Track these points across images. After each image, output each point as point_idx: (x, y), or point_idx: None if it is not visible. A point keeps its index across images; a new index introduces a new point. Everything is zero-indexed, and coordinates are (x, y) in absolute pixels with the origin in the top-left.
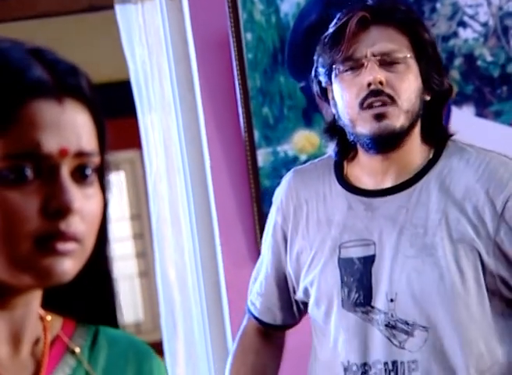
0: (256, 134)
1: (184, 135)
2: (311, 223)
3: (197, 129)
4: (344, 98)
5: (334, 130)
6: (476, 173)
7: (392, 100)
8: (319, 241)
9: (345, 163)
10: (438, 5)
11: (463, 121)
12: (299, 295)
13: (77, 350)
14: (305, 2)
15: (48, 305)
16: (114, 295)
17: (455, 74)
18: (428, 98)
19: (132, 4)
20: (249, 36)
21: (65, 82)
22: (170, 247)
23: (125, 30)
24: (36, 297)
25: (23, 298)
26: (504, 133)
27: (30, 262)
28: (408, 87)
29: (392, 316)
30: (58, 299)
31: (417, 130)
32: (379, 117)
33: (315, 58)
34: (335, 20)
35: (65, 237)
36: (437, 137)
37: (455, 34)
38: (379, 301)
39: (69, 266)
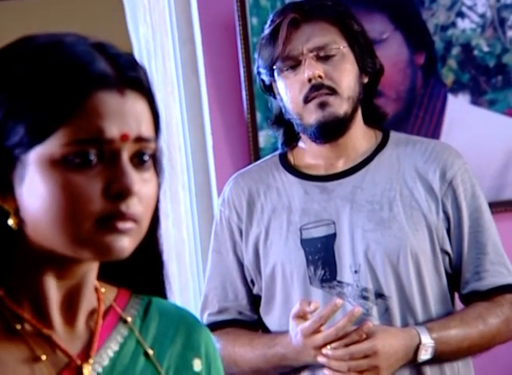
0: (258, 116)
1: (187, 115)
2: (266, 212)
3: (199, 109)
4: (288, 94)
5: (280, 121)
6: (423, 155)
7: (334, 91)
8: (277, 227)
9: (290, 156)
10: None
11: (458, 108)
12: (256, 288)
13: (129, 319)
14: None
15: (104, 276)
16: (164, 269)
17: (452, 63)
18: (366, 80)
19: None
20: (254, 20)
21: (126, 74)
22: (169, 223)
23: (130, 9)
24: (92, 269)
25: (80, 270)
26: (497, 121)
27: (91, 239)
28: (347, 75)
29: (357, 286)
30: (114, 272)
31: (359, 113)
32: (323, 105)
33: (256, 57)
34: (269, 22)
35: (124, 217)
36: (377, 118)
37: (453, 24)
38: (345, 274)
39: (127, 243)
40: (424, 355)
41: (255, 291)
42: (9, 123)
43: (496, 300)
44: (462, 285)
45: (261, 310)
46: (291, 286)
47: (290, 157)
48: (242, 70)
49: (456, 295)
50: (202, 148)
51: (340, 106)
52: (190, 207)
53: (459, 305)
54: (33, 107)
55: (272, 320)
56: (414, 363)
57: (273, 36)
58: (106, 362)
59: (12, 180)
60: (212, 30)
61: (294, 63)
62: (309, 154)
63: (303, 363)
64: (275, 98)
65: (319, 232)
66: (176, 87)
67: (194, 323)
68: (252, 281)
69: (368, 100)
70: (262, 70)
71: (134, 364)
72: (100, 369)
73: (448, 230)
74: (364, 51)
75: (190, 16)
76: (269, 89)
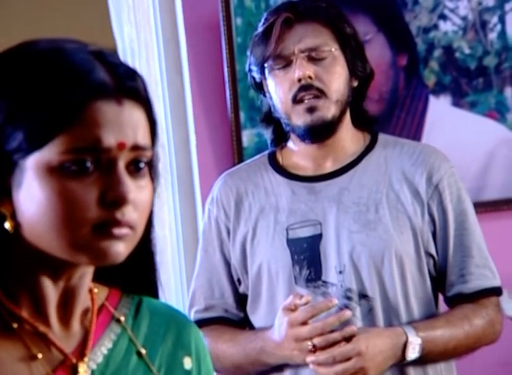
0: (242, 116)
1: (170, 114)
2: (254, 211)
3: (183, 108)
4: (277, 93)
5: (270, 119)
6: (410, 158)
7: (322, 93)
8: (264, 226)
9: (279, 155)
10: None
11: (440, 110)
12: (243, 287)
13: (122, 318)
14: None
15: (96, 276)
16: (156, 270)
17: (434, 65)
18: (355, 84)
19: None
20: (239, 21)
21: (125, 84)
22: None
23: (114, 8)
24: (89, 272)
25: (76, 272)
26: (478, 122)
27: (88, 244)
28: (336, 78)
29: (341, 286)
30: (106, 272)
31: (347, 116)
32: (311, 110)
33: (248, 54)
34: (262, 20)
35: (120, 224)
36: (366, 121)
37: (435, 27)
38: (330, 275)
39: (122, 248)
40: (413, 353)
41: (242, 289)
42: (9, 128)
43: (480, 302)
44: (447, 288)
45: (248, 309)
46: (276, 285)
47: (279, 157)
48: (226, 70)
49: (441, 298)
50: (186, 147)
51: (328, 109)
52: (173, 205)
53: (443, 308)
54: (32, 113)
55: (257, 319)
56: (402, 363)
57: (266, 34)
58: (100, 360)
59: (9, 184)
60: (197, 29)
61: (285, 62)
62: (297, 154)
63: (278, 359)
64: (264, 96)
65: (305, 232)
66: (159, 87)
67: (184, 321)
68: (239, 280)
69: (356, 103)
70: (253, 68)
71: (127, 362)
72: (94, 367)
73: (434, 233)
74: (355, 55)
75: (174, 16)
76: (260, 87)
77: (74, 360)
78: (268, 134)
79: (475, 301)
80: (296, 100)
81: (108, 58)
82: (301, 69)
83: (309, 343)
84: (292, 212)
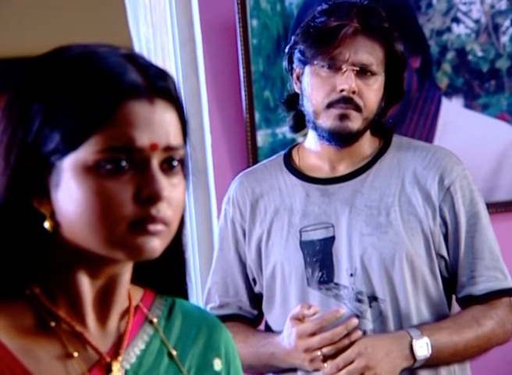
0: (257, 116)
1: (188, 128)
2: (269, 213)
3: (199, 109)
4: (314, 92)
5: (292, 105)
6: (423, 161)
7: (358, 109)
8: (279, 228)
9: (295, 155)
10: (434, 1)
11: (452, 112)
12: (258, 287)
13: (155, 320)
14: None
15: (132, 278)
16: (186, 269)
17: (447, 67)
18: (383, 104)
19: None
20: (254, 22)
21: (156, 85)
22: None
23: (131, 8)
24: (126, 270)
25: (113, 270)
26: (490, 124)
27: (125, 240)
28: (374, 98)
29: (352, 289)
30: (140, 273)
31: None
32: (342, 117)
33: (294, 39)
34: (324, 15)
35: (155, 220)
36: (383, 130)
37: (449, 29)
38: (342, 277)
39: (157, 244)
40: (421, 351)
41: (257, 289)
42: (46, 130)
43: (490, 303)
44: (458, 289)
45: (263, 308)
46: (289, 286)
47: (295, 156)
48: (241, 71)
49: (453, 299)
50: (201, 147)
51: (357, 123)
52: (188, 205)
53: (457, 309)
54: (68, 116)
55: (272, 318)
56: (415, 364)
57: (329, 35)
58: (133, 360)
59: (48, 185)
60: (213, 30)
61: (333, 66)
62: (314, 154)
63: (289, 365)
64: (291, 76)
65: (318, 235)
66: None
67: (215, 323)
68: (254, 280)
69: (379, 116)
70: (298, 55)
71: (159, 363)
72: (128, 367)
73: (445, 236)
74: (396, 82)
75: (190, 17)
76: (292, 71)
77: (108, 359)
78: (288, 120)
79: (485, 303)
80: (331, 107)
81: (139, 61)
82: (349, 82)
83: (319, 353)
84: (305, 214)
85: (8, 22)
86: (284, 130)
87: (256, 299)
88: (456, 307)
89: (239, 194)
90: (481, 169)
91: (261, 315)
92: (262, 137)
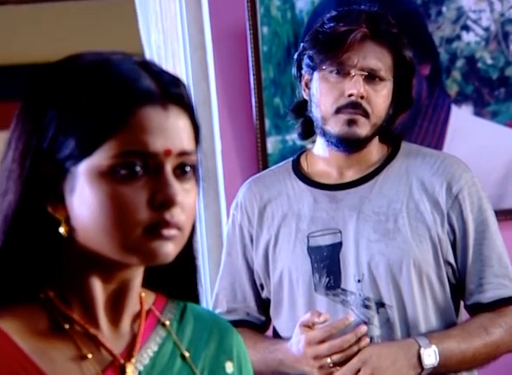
0: (267, 123)
1: (200, 134)
2: (277, 218)
3: (209, 115)
4: (323, 97)
5: (300, 112)
6: (432, 168)
7: (366, 114)
8: (286, 233)
9: (304, 162)
10: (444, 9)
11: (461, 119)
12: (265, 293)
13: (167, 323)
14: (319, 0)
15: (143, 282)
16: (197, 274)
17: (456, 75)
18: (391, 111)
19: None
20: (265, 30)
21: (170, 91)
22: None
23: (142, 15)
24: (138, 274)
25: (125, 275)
26: (499, 132)
27: (139, 245)
28: (382, 104)
29: (360, 295)
30: (152, 277)
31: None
32: (351, 123)
33: (303, 45)
34: (333, 21)
35: (169, 225)
36: (391, 137)
37: (458, 37)
38: (349, 283)
39: (171, 248)
40: (429, 359)
41: (264, 295)
42: (60, 137)
43: (499, 311)
44: (466, 296)
45: (271, 314)
46: (297, 292)
47: (304, 163)
48: (252, 78)
49: (462, 307)
50: (211, 153)
51: (365, 128)
52: (198, 211)
53: (466, 316)
54: (83, 122)
55: (280, 324)
56: (423, 372)
57: (337, 40)
58: (146, 362)
59: (63, 190)
60: (223, 37)
61: (342, 71)
62: (323, 160)
63: (298, 372)
64: (299, 82)
65: (325, 240)
66: None
67: (227, 327)
68: (261, 285)
69: (387, 123)
70: (307, 60)
71: (172, 364)
72: (141, 368)
73: (454, 243)
74: (404, 88)
75: (201, 24)
76: (301, 77)
77: (122, 361)
78: (296, 127)
79: (494, 311)
80: (339, 112)
81: (153, 67)
82: (357, 87)
83: (328, 360)
84: (313, 219)
85: (19, 29)
86: (294, 137)
87: (263, 305)
88: (464, 314)
89: (247, 200)
90: (491, 177)
91: (268, 321)
92: (272, 143)
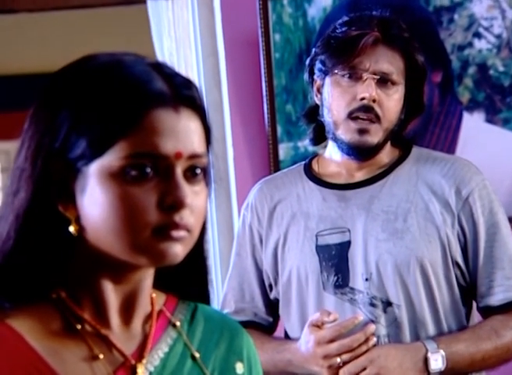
0: (279, 129)
1: (211, 137)
2: (286, 218)
3: (221, 122)
4: (335, 102)
5: (312, 117)
6: (442, 170)
7: (378, 118)
8: (295, 232)
9: (315, 164)
10: (456, 17)
11: (473, 126)
12: (274, 293)
13: (178, 324)
14: (331, 8)
15: (154, 283)
16: (208, 275)
17: (468, 82)
18: (402, 116)
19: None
20: (277, 37)
21: (182, 93)
22: None
23: (155, 23)
24: (148, 275)
25: (136, 276)
26: (511, 139)
27: (148, 246)
28: (393, 108)
29: (367, 294)
30: (163, 278)
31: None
32: (362, 132)
33: (315, 50)
34: (345, 26)
35: (178, 226)
36: (403, 142)
37: (470, 44)
38: (357, 282)
39: (180, 250)
40: (436, 365)
41: (273, 295)
42: (73, 137)
43: (511, 313)
44: (478, 299)
45: (281, 314)
46: (306, 291)
47: (315, 165)
48: (264, 84)
49: (474, 309)
50: (223, 160)
51: (377, 135)
52: (211, 218)
53: (478, 319)
54: (95, 123)
55: (290, 324)
56: None
57: (349, 44)
58: (157, 363)
59: (73, 190)
60: (235, 45)
61: (354, 75)
62: (333, 162)
63: (306, 372)
64: (312, 88)
65: (334, 239)
66: None
67: (237, 328)
68: (270, 286)
69: (399, 128)
70: (319, 65)
71: (182, 365)
72: (152, 369)
73: (464, 245)
74: (416, 93)
75: (213, 31)
76: (312, 82)
77: (133, 361)
78: (308, 132)
79: (506, 313)
80: (352, 116)
81: (165, 70)
82: (369, 91)
83: (338, 359)
84: (322, 218)
85: (32, 37)
86: (306, 144)
87: (271, 306)
88: (477, 317)
89: (257, 201)
90: (503, 184)
91: (276, 322)
92: (284, 150)
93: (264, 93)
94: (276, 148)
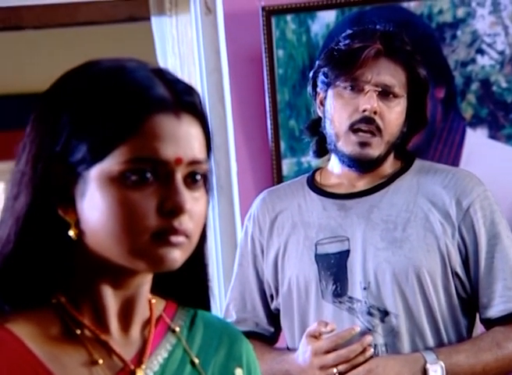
0: (282, 145)
1: (212, 143)
2: (287, 227)
3: (225, 137)
4: (337, 113)
5: (315, 130)
6: (443, 181)
7: (379, 131)
8: (295, 242)
9: (318, 176)
10: (458, 33)
11: (476, 142)
12: (275, 303)
13: (177, 329)
14: (334, 24)
15: (154, 289)
16: (208, 282)
17: (471, 98)
18: (405, 129)
19: (167, 16)
20: (280, 53)
21: (183, 99)
22: None
23: (159, 39)
24: (147, 281)
25: (135, 281)
26: None
27: (147, 251)
28: (395, 121)
29: (365, 303)
30: (163, 284)
31: (391, 153)
32: (363, 145)
33: (318, 63)
34: (348, 38)
35: (177, 232)
36: (405, 154)
37: (473, 61)
38: (355, 291)
39: (178, 255)
40: None
41: (274, 306)
42: (73, 141)
43: None
44: (480, 310)
45: (282, 324)
46: (305, 299)
47: (318, 177)
48: (267, 100)
49: (478, 321)
50: (227, 175)
51: (378, 148)
52: (214, 233)
53: (482, 330)
54: (96, 127)
55: (290, 334)
56: None
57: (352, 56)
58: (156, 368)
59: (73, 194)
60: (239, 61)
61: (356, 87)
62: (335, 173)
63: None
64: (315, 101)
65: (333, 248)
66: None
67: (236, 334)
68: (271, 296)
69: (401, 142)
70: (322, 77)
71: (181, 371)
72: (151, 374)
73: (466, 256)
74: (418, 107)
75: (217, 47)
76: (315, 95)
77: (132, 367)
78: (311, 145)
79: (507, 324)
80: (353, 128)
81: (167, 76)
82: (371, 103)
83: (334, 370)
84: (322, 227)
85: (35, 55)
86: (309, 159)
87: (273, 316)
88: (481, 328)
89: (260, 211)
90: (506, 200)
91: (278, 333)
92: (287, 166)
93: (267, 109)
94: (280, 163)
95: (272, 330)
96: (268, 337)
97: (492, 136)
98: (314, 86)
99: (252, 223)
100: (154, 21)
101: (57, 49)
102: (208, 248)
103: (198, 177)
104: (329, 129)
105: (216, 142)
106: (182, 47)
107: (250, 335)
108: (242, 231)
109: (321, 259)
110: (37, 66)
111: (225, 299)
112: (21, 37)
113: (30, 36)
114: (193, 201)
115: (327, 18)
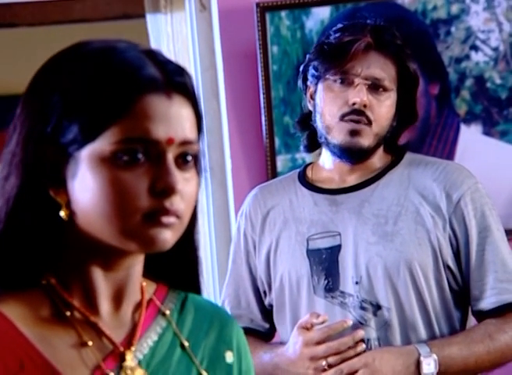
0: (276, 141)
1: (207, 140)
2: (278, 223)
3: (219, 134)
4: (327, 106)
5: (305, 124)
6: (433, 174)
7: (369, 122)
8: (287, 237)
9: (309, 171)
10: (452, 29)
11: (471, 138)
12: (268, 299)
13: (167, 312)
14: (329, 20)
15: (145, 272)
16: (199, 265)
17: (465, 94)
18: (395, 123)
19: (162, 14)
20: (275, 49)
21: (174, 80)
22: None
23: (154, 37)
24: (138, 262)
25: (126, 263)
26: (508, 151)
27: (138, 231)
28: (385, 114)
29: (357, 297)
30: (154, 267)
31: (381, 146)
32: (353, 133)
33: (309, 56)
34: (338, 32)
35: (168, 212)
36: (396, 148)
37: (467, 57)
38: (347, 285)
39: (169, 236)
40: (428, 369)
41: (268, 301)
42: (64, 121)
43: (505, 317)
44: (472, 303)
45: (275, 320)
46: (297, 295)
47: (309, 172)
48: (262, 97)
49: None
50: (221, 171)
51: (368, 138)
52: (208, 229)
53: (475, 323)
54: (87, 108)
55: (283, 329)
56: None
57: (341, 49)
58: (146, 351)
59: (65, 175)
60: (233, 57)
61: (346, 80)
62: (326, 168)
63: None
64: (305, 95)
65: (325, 243)
66: None
67: (227, 318)
68: (265, 292)
69: (392, 136)
70: (312, 71)
71: (171, 354)
72: (141, 357)
73: (457, 248)
74: (408, 100)
75: (212, 44)
76: (306, 89)
77: (122, 349)
78: (302, 139)
79: (500, 316)
80: (344, 119)
81: (158, 56)
82: (360, 96)
83: (324, 362)
84: (313, 222)
85: (31, 56)
86: (303, 156)
87: (267, 312)
88: (473, 321)
89: (252, 207)
90: (500, 196)
91: (273, 328)
92: (282, 162)
93: (262, 105)
94: (274, 159)
95: (267, 326)
96: (263, 333)
97: (487, 132)
98: (305, 80)
99: (244, 220)
100: (149, 18)
101: (49, 48)
102: (203, 243)
103: (189, 158)
104: (320, 122)
105: (211, 138)
106: (177, 44)
107: (245, 331)
108: (235, 228)
109: (313, 254)
110: (30, 64)
111: (220, 295)
112: (15, 34)
113: (22, 33)
114: (184, 181)
115: (321, 14)
